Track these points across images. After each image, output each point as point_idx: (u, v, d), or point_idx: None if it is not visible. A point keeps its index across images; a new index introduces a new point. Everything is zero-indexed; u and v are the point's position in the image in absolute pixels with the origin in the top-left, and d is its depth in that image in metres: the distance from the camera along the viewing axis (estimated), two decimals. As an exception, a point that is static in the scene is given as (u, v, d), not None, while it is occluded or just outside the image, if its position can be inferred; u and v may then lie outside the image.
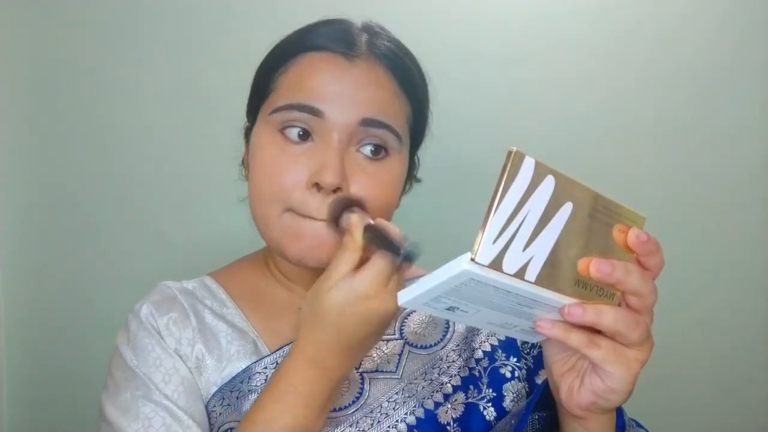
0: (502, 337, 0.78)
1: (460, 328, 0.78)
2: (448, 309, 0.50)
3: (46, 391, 1.25)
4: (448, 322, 0.78)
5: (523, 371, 0.76)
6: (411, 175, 0.80)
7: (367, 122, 0.66)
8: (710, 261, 1.18)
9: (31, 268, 1.24)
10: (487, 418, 0.71)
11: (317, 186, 0.65)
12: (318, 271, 0.73)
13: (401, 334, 0.77)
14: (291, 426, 0.59)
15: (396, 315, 0.61)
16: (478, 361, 0.75)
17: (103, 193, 1.22)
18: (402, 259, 0.57)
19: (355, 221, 0.61)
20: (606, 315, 0.49)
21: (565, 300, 0.48)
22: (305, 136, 0.67)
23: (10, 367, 1.25)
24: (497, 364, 0.75)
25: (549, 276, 0.47)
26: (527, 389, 0.75)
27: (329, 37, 0.70)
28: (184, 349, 0.71)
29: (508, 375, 0.75)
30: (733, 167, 1.18)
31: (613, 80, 1.17)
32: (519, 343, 0.78)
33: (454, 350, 0.76)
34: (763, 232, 1.19)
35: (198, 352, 0.71)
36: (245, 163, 0.76)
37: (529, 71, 1.16)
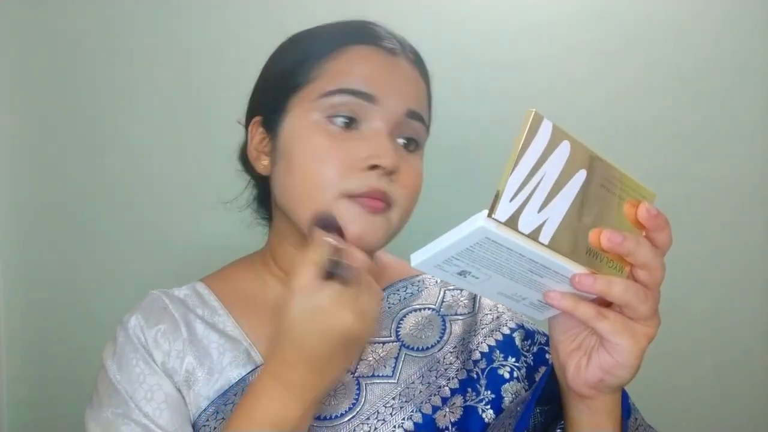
0: (500, 338, 0.77)
1: (456, 329, 0.77)
2: (460, 273, 0.50)
3: (47, 393, 1.25)
4: (444, 323, 0.77)
5: (523, 371, 0.75)
6: None
7: (411, 114, 0.70)
8: (711, 261, 1.18)
9: (31, 269, 1.24)
10: (486, 420, 0.70)
11: (373, 167, 0.66)
12: None
13: (397, 335, 0.75)
14: None
15: (364, 335, 0.60)
16: (475, 362, 0.74)
17: (103, 195, 1.22)
18: (329, 264, 0.58)
19: (322, 237, 0.62)
20: (616, 285, 0.49)
21: (576, 269, 0.49)
22: (351, 123, 0.68)
23: (11, 368, 1.25)
24: (495, 365, 0.74)
25: (561, 241, 0.47)
26: (527, 388, 0.74)
27: (371, 34, 0.72)
28: (172, 363, 0.70)
29: (507, 376, 0.74)
30: (734, 168, 1.18)
31: (614, 83, 1.17)
32: (518, 342, 0.77)
33: (451, 352, 0.75)
34: (764, 233, 1.18)
35: (188, 364, 0.70)
36: (251, 156, 0.75)
37: (530, 74, 1.16)
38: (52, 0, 1.18)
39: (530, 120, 0.44)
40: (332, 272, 0.59)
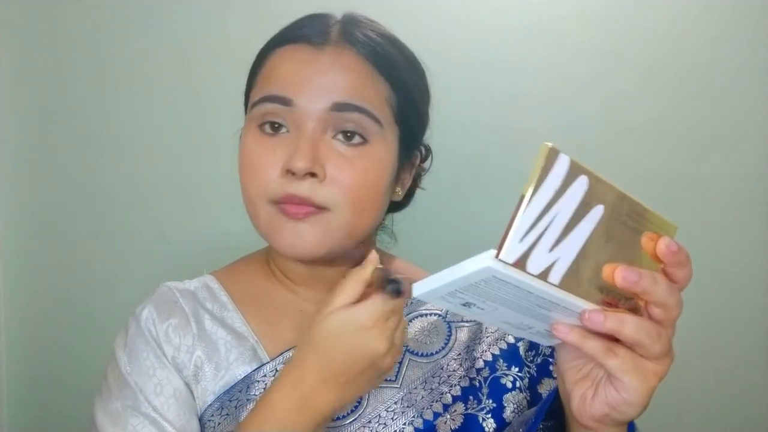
0: (504, 347, 0.76)
1: (462, 336, 0.77)
2: (464, 305, 0.48)
3: (46, 392, 1.25)
4: (450, 330, 0.77)
5: (525, 381, 0.74)
6: (411, 164, 0.77)
7: (339, 107, 0.66)
8: (711, 262, 1.18)
9: (32, 268, 1.24)
10: (487, 429, 0.70)
11: (289, 172, 0.65)
12: (317, 270, 0.73)
13: None
14: None
15: (388, 370, 0.60)
16: (478, 371, 0.74)
17: (104, 193, 1.22)
18: (393, 289, 0.57)
19: (373, 257, 0.61)
20: (628, 324, 0.47)
21: (587, 305, 0.47)
22: (280, 129, 0.68)
23: (11, 367, 1.25)
24: (498, 374, 0.74)
25: (573, 280, 0.44)
26: (529, 399, 0.74)
27: (301, 30, 0.70)
28: (182, 357, 0.70)
29: (509, 385, 0.73)
30: (735, 169, 1.17)
31: (614, 82, 1.16)
32: (522, 352, 0.76)
33: (455, 359, 0.74)
34: (765, 233, 1.18)
35: (197, 359, 0.70)
36: None
37: (531, 74, 1.16)
38: (52, 0, 1.18)
39: (546, 155, 0.41)
40: (387, 284, 0.58)
